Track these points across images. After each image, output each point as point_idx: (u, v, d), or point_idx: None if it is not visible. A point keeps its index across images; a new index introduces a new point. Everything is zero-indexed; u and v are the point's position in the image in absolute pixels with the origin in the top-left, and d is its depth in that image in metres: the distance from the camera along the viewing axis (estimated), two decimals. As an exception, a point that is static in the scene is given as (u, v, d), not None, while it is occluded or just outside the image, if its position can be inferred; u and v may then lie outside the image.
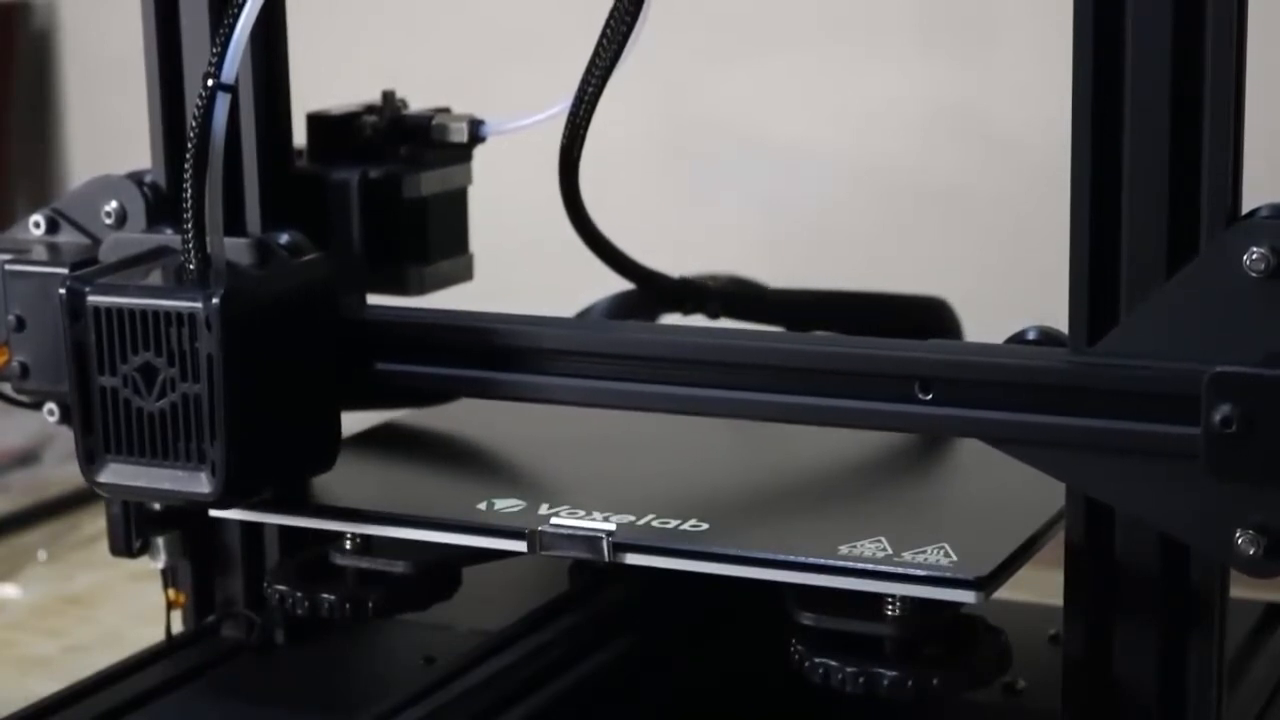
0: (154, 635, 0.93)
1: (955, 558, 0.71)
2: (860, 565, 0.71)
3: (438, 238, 0.90)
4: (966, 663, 0.72)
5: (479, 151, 0.92)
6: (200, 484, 0.75)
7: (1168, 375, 0.68)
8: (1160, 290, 0.68)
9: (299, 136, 0.88)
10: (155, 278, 0.78)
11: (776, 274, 1.03)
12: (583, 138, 0.83)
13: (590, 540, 0.75)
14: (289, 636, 0.91)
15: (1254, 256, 0.66)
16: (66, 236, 0.87)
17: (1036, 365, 0.70)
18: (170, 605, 0.93)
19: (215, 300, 0.73)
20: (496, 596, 0.92)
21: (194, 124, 0.74)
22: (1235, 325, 0.67)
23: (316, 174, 0.88)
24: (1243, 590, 0.77)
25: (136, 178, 0.86)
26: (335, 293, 0.79)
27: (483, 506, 0.79)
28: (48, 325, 0.83)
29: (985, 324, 0.84)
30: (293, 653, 0.91)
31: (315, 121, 0.90)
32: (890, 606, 0.72)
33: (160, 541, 0.92)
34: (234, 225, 0.83)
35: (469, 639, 0.89)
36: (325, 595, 0.81)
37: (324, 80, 0.99)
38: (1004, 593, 0.72)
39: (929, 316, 0.98)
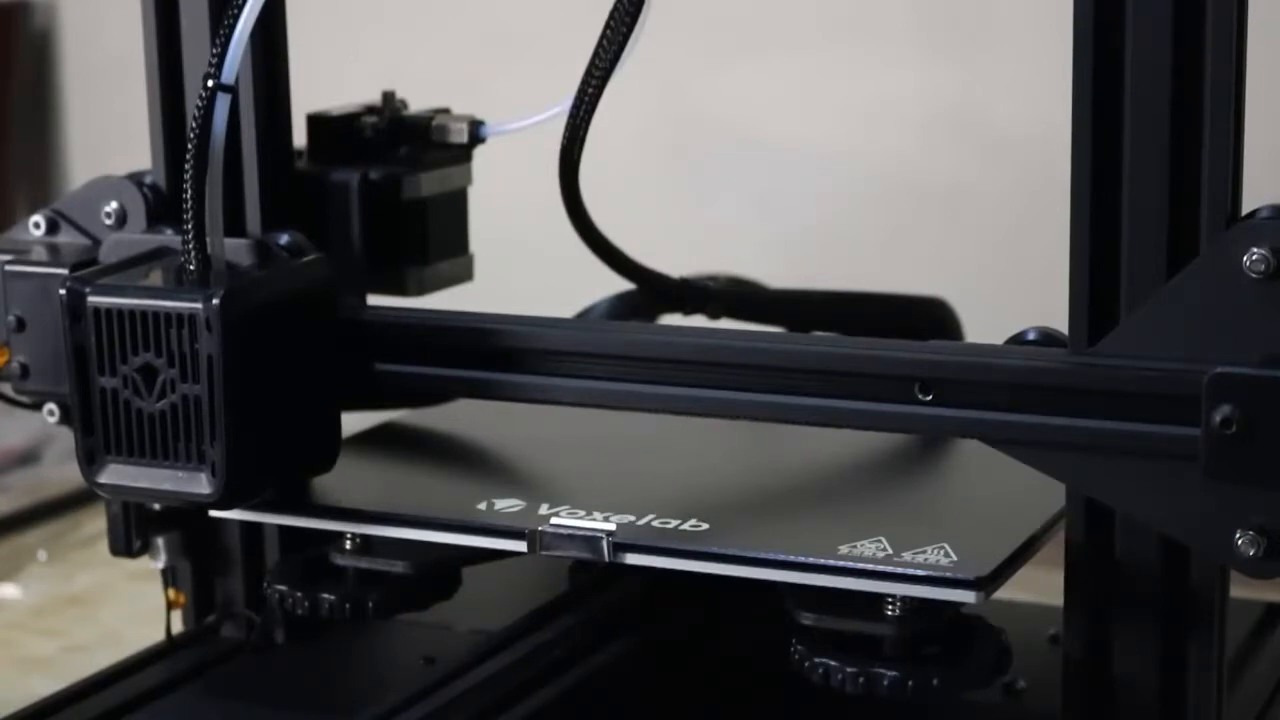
0: (154, 635, 0.93)
1: (955, 558, 0.71)
2: (860, 565, 0.71)
3: (437, 238, 0.90)
4: (966, 663, 0.72)
5: (479, 151, 0.92)
6: (200, 484, 0.75)
7: (1168, 376, 0.68)
8: (1160, 291, 0.68)
9: (299, 137, 0.88)
10: (155, 278, 0.78)
11: (776, 274, 1.03)
12: (583, 138, 0.83)
13: (590, 540, 0.75)
14: (289, 636, 0.91)
15: (1254, 257, 0.66)
16: (66, 237, 0.87)
17: (1036, 366, 0.70)
18: (170, 605, 0.93)
19: (215, 301, 0.73)
20: (496, 596, 0.92)
21: (194, 124, 0.75)
22: (1235, 326, 0.67)
23: (316, 175, 0.88)
24: (1243, 590, 0.77)
25: (136, 178, 0.86)
26: (335, 293, 0.79)
27: (483, 506, 0.79)
28: (48, 326, 0.83)
29: (985, 324, 0.84)
30: (293, 653, 0.91)
31: (315, 122, 0.90)
32: (890, 606, 0.72)
33: (160, 541, 0.92)
34: (234, 225, 0.83)
35: (469, 639, 0.89)
36: (325, 595, 0.81)
37: (324, 80, 0.99)
38: (1004, 593, 0.72)
39: (929, 316, 0.98)
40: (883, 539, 0.73)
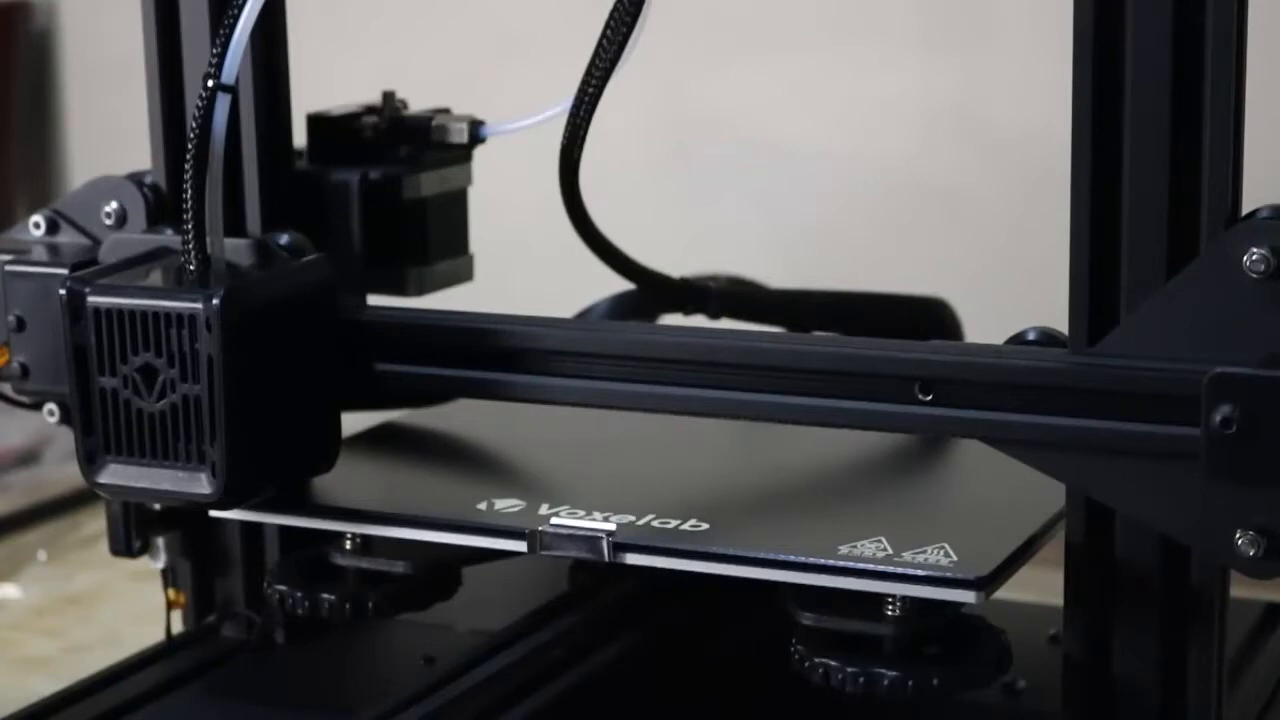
0: (154, 635, 0.93)
1: (955, 558, 0.71)
2: (860, 565, 0.71)
3: (437, 238, 0.90)
4: (966, 663, 0.72)
5: (479, 151, 0.92)
6: (200, 484, 0.75)
7: (1168, 376, 0.68)
8: (1160, 291, 0.68)
9: (299, 137, 0.88)
10: (155, 278, 0.78)
11: (776, 274, 1.03)
12: (583, 138, 0.83)
13: (590, 540, 0.75)
14: (289, 636, 0.91)
15: (1254, 257, 0.66)
16: (66, 237, 0.87)
17: (1036, 366, 0.70)
18: (170, 605, 0.93)
19: (215, 301, 0.73)
20: (496, 596, 0.92)
21: (194, 124, 0.75)
22: (1235, 326, 0.67)
23: (317, 175, 0.88)
24: (1243, 590, 0.77)
25: (136, 178, 0.86)
26: (335, 293, 0.79)
27: (483, 506, 0.79)
28: (48, 326, 0.83)
29: (985, 324, 0.84)
30: (293, 653, 0.91)
31: (315, 122, 0.90)
32: (890, 606, 0.72)
33: (160, 541, 0.92)
34: (234, 225, 0.83)
35: (469, 639, 0.89)
36: (325, 595, 0.81)
37: (324, 80, 0.99)
38: (1004, 593, 0.72)
39: (929, 316, 0.98)
40: (883, 539, 0.73)
